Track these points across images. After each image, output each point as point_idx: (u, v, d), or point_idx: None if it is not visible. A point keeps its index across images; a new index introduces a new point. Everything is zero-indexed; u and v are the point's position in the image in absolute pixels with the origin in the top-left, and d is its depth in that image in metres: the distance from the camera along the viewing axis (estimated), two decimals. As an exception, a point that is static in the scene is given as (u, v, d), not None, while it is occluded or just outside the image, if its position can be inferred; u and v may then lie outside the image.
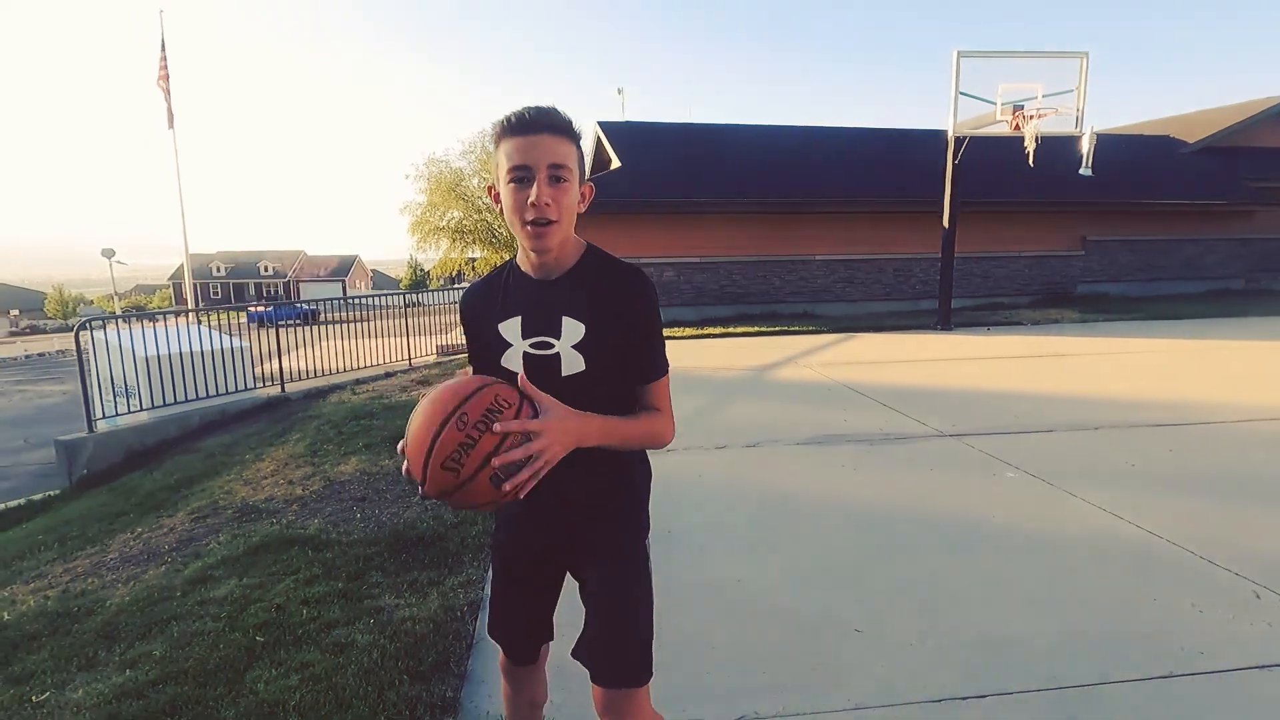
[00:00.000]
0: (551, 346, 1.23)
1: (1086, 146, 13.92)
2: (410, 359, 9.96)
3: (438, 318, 12.40)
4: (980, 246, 13.41)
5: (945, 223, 10.52)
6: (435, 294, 13.85)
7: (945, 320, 10.70)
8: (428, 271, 38.10)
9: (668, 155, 13.81)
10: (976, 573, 2.84)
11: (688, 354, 8.87)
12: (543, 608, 1.44)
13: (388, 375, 8.72)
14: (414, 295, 12.81)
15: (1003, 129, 9.68)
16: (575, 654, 1.30)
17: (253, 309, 12.46)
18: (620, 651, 1.26)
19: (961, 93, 9.52)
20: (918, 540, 3.17)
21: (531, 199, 1.13)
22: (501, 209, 1.21)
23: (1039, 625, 2.42)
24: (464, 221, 25.49)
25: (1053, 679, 2.11)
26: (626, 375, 1.27)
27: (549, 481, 1.10)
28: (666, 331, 10.78)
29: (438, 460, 1.02)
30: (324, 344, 9.40)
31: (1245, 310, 11.89)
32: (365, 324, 10.60)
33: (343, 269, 68.57)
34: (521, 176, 1.14)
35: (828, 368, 7.58)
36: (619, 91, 22.71)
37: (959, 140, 9.93)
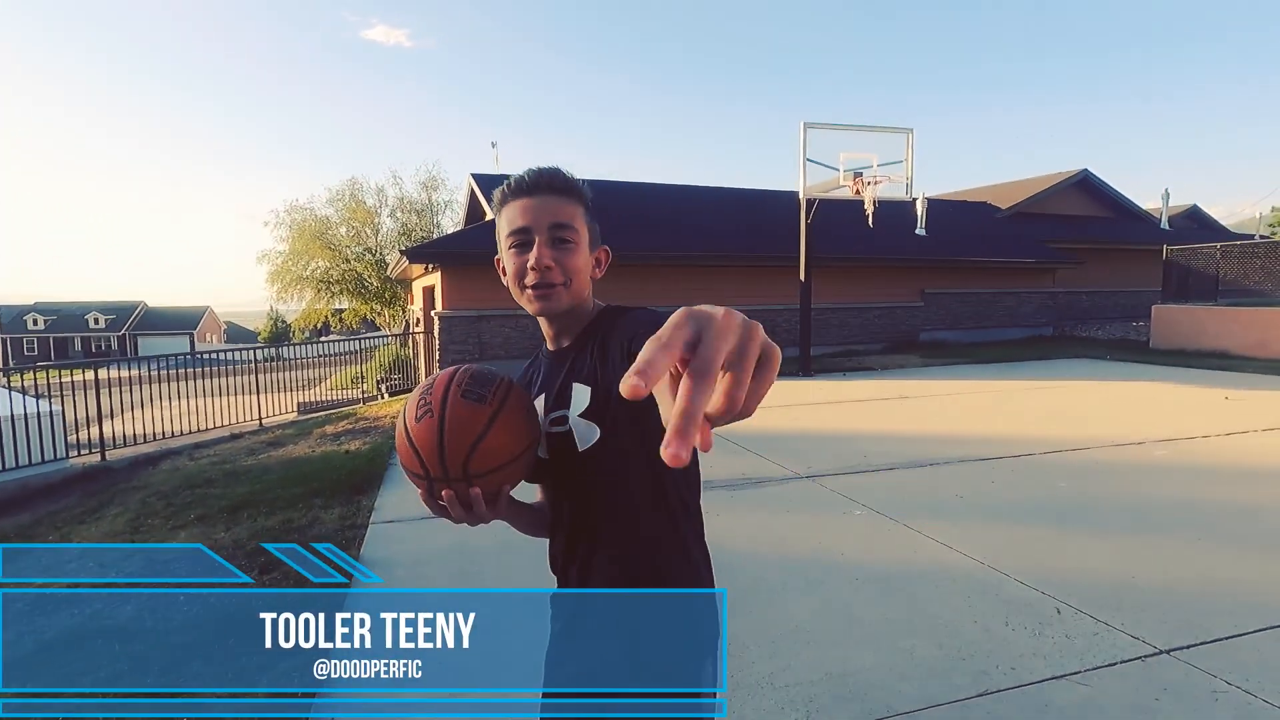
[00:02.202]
0: (565, 421, 1.08)
1: (920, 210, 15.62)
2: (262, 418, 9.21)
3: (300, 372, 11.60)
4: (836, 298, 14.52)
5: (802, 276, 11.33)
6: (298, 347, 13.00)
7: (806, 367, 11.40)
8: (290, 323, 35.71)
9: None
10: (827, 609, 2.99)
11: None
12: None
13: (234, 437, 8.00)
14: (273, 349, 11.96)
15: (846, 193, 10.66)
16: None
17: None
18: None
19: (809, 159, 10.43)
20: (774, 581, 3.29)
21: (531, 262, 1.04)
22: (506, 280, 1.11)
23: (879, 657, 2.57)
24: (330, 271, 24.23)
25: (888, 708, 2.24)
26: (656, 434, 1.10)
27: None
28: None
29: (455, 397, 0.97)
30: (162, 404, 8.50)
31: (1053, 354, 13.60)
32: (214, 380, 9.72)
33: (191, 321, 62.78)
34: (522, 241, 1.06)
35: (698, 415, 7.86)
36: (493, 145, 22.88)
37: (809, 202, 10.81)
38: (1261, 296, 13.02)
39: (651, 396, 1.00)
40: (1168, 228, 21.99)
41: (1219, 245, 14.14)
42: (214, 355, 11.03)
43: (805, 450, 5.88)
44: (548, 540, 1.20)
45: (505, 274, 1.12)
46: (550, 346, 1.18)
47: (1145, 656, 2.52)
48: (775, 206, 15.64)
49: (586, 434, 1.05)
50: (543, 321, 1.15)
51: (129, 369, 9.80)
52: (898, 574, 3.34)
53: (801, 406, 8.31)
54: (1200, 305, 13.48)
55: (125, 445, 7.76)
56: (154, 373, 9.14)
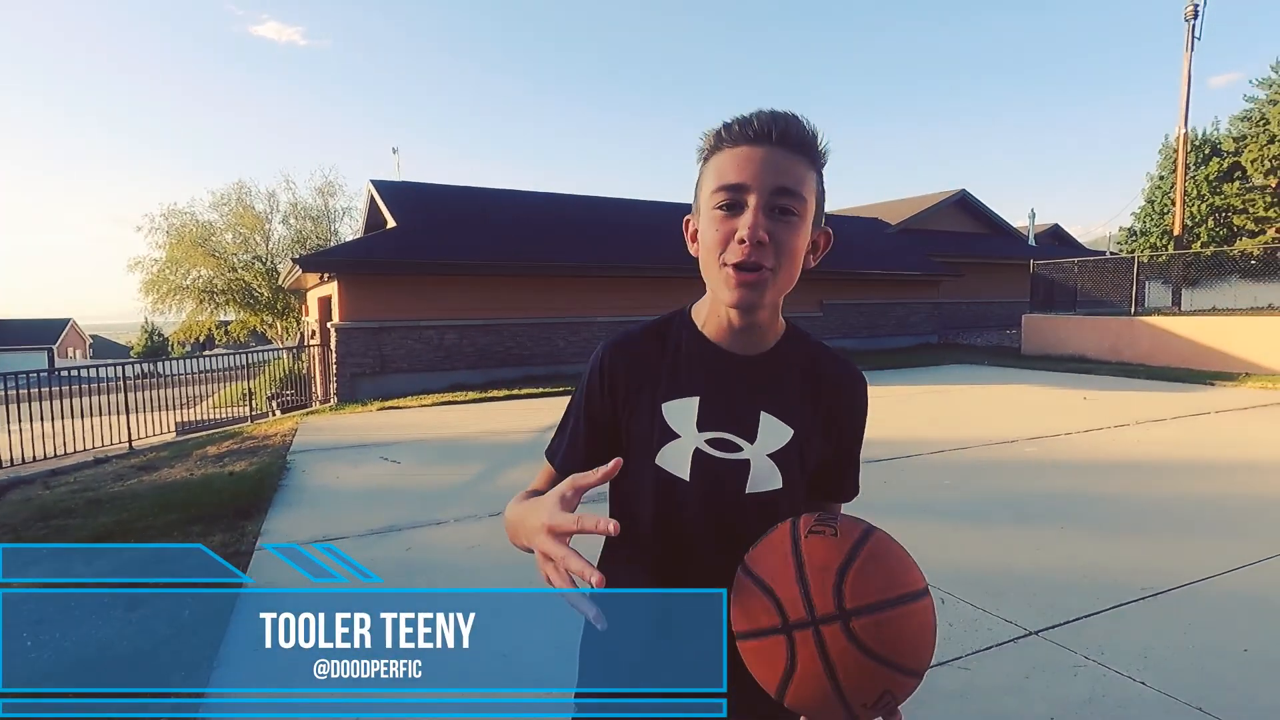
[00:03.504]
0: (739, 449, 0.89)
1: (818, 224, 16.40)
2: (132, 440, 8.43)
3: (180, 389, 10.72)
4: (741, 309, 15.02)
5: (709, 287, 11.62)
6: (177, 362, 12.04)
7: (714, 376, 11.68)
8: (167, 337, 32.99)
9: (448, 217, 13.63)
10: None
11: (471, 418, 8.61)
12: None
13: (99, 462, 7.27)
14: (148, 364, 10.99)
15: (749, 207, 11.04)
16: None
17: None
18: None
19: (714, 174, 10.73)
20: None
21: (743, 233, 0.81)
22: (698, 249, 0.89)
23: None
24: (214, 280, 22.60)
25: (788, 705, 2.31)
26: (816, 492, 0.96)
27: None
28: (448, 396, 10.47)
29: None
30: (11, 427, 7.61)
31: (939, 360, 14.58)
32: (77, 400, 8.80)
33: (49, 335, 56.83)
34: (733, 201, 0.82)
35: (608, 425, 7.86)
36: (394, 151, 22.15)
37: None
38: (1112, 307, 14.52)
39: (840, 458, 0.96)
40: (1034, 244, 24.18)
41: (1076, 261, 15.66)
42: (77, 372, 9.97)
43: (712, 457, 6.00)
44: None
45: (695, 241, 0.90)
46: (724, 343, 0.92)
47: (1017, 639, 2.73)
48: (677, 220, 15.96)
49: (766, 478, 0.89)
50: (728, 308, 0.88)
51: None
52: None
53: (709, 414, 8.49)
54: (1062, 315, 14.86)
55: (-35, 475, 6.89)
56: (2, 392, 8.18)
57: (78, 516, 4.86)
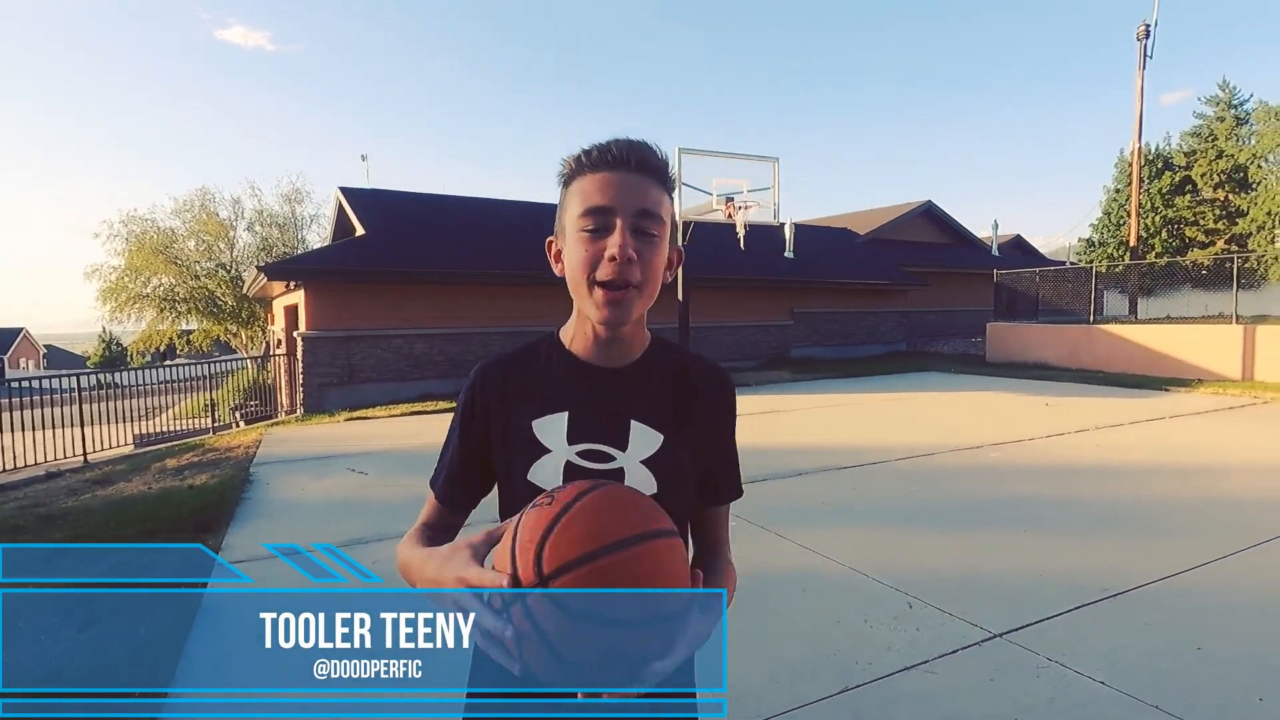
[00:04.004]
0: (611, 459, 0.92)
1: (787, 234, 16.59)
2: (87, 453, 8.15)
3: (138, 400, 10.41)
4: (713, 317, 15.06)
5: (680, 295, 11.66)
6: (136, 373, 11.70)
7: (686, 384, 11.72)
8: (126, 347, 32.06)
9: (418, 225, 13.50)
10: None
11: (441, 428, 8.45)
12: None
13: (51, 476, 7.02)
14: (105, 375, 10.66)
15: (720, 216, 11.14)
16: None
17: None
18: None
19: (684, 184, 10.81)
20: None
21: (612, 251, 0.85)
22: (563, 269, 0.92)
23: (751, 664, 2.65)
24: (176, 289, 22.02)
25: (758, 713, 2.31)
26: (701, 499, 0.99)
27: None
28: (418, 406, 10.34)
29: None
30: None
31: (907, 368, 14.83)
32: (29, 412, 8.48)
33: (1, 344, 54.83)
34: (600, 224, 0.86)
35: (580, 434, 7.83)
36: (363, 158, 21.90)
37: (686, 224, 11.19)
38: (1072, 315, 14.94)
39: (716, 458, 0.98)
40: (998, 254, 24.74)
41: (1038, 271, 16.08)
42: (29, 383, 9.63)
43: (684, 465, 6.01)
44: None
45: (560, 262, 0.93)
46: (592, 359, 0.95)
47: (982, 641, 2.77)
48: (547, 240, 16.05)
49: (642, 485, 0.91)
50: (596, 324, 0.91)
51: (-86, 401, 8.36)
52: (768, 580, 3.47)
53: (681, 423, 8.50)
54: (1024, 323, 15.23)
55: (-94, 491, 6.59)
56: (-53, 405, 7.85)
57: (28, 533, 4.68)
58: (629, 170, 0.88)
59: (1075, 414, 8.39)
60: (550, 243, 0.98)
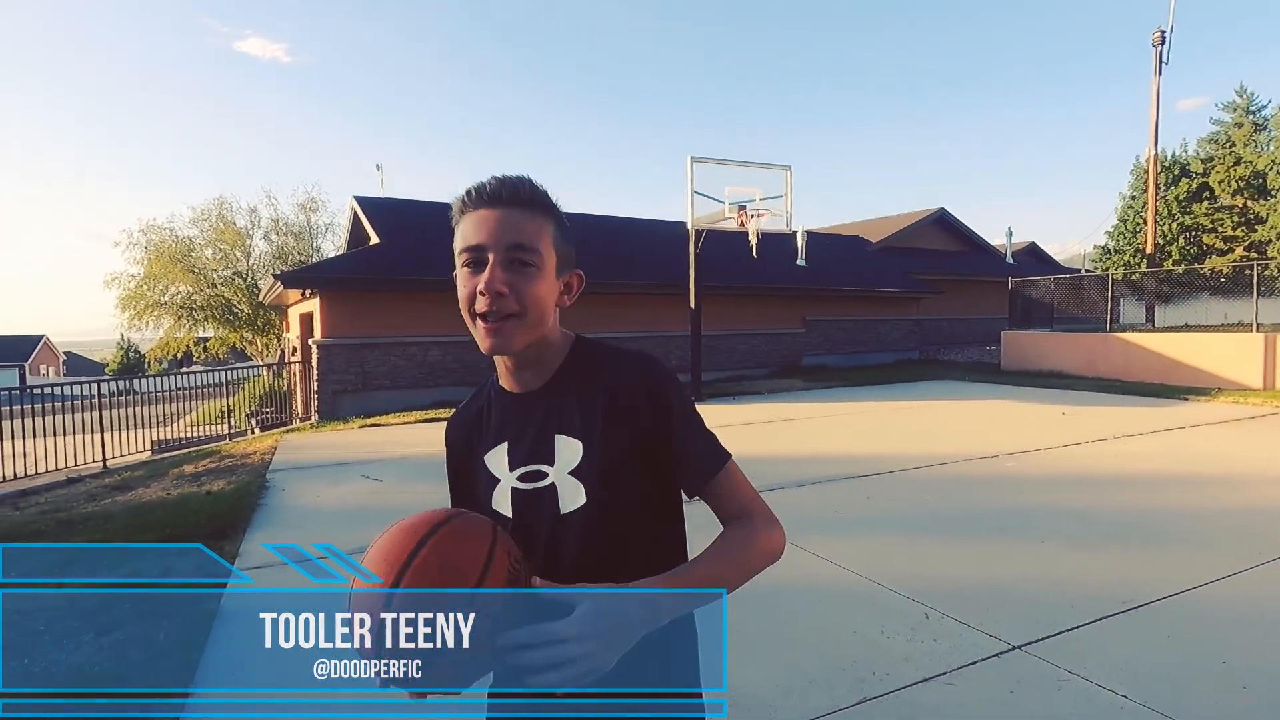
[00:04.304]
0: (545, 476, 0.96)
1: (800, 242, 16.56)
2: (106, 459, 8.25)
3: (156, 407, 10.52)
4: (725, 325, 15.04)
5: (692, 304, 11.67)
6: (154, 380, 11.84)
7: (697, 392, 11.70)
8: (144, 354, 32.49)
9: (432, 233, 13.61)
10: (712, 628, 3.03)
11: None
12: None
13: (71, 482, 7.11)
14: (123, 382, 10.79)
15: (732, 225, 11.15)
16: None
17: None
18: None
19: (696, 192, 10.84)
20: (665, 606, 3.31)
21: (481, 286, 0.90)
22: (460, 303, 0.96)
23: (764, 673, 2.64)
24: (193, 297, 22.30)
25: (773, 723, 2.29)
26: (683, 484, 1.00)
27: None
28: (432, 413, 10.38)
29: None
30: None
31: (920, 376, 14.74)
32: (50, 418, 8.61)
33: (21, 351, 55.70)
34: (475, 259, 0.92)
35: (592, 442, 7.82)
36: (378, 168, 22.12)
37: (698, 232, 11.21)
38: (1088, 323, 14.79)
39: (669, 443, 0.98)
40: (1011, 262, 24.57)
41: (1053, 278, 15.95)
42: (49, 389, 9.77)
43: (697, 473, 5.99)
44: None
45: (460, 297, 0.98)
46: (509, 385, 1.02)
47: (1001, 653, 2.74)
48: (665, 236, 16.07)
49: (573, 495, 0.95)
50: (491, 356, 0.99)
51: (-62, 407, 8.51)
52: (782, 590, 3.45)
53: (693, 431, 8.48)
54: (1040, 331, 15.10)
55: (-70, 495, 6.70)
56: (-29, 411, 7.99)
57: (48, 538, 4.74)
58: (501, 205, 0.92)
59: (1092, 423, 8.30)
60: (455, 277, 1.01)
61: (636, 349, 1.03)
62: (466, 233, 0.93)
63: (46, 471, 7.71)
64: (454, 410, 1.13)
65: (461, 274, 0.94)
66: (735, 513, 1.01)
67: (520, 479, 0.98)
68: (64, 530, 4.94)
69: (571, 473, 0.95)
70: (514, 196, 0.93)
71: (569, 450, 0.96)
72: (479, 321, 0.93)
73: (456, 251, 0.95)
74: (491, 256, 0.91)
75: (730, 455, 1.02)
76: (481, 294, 0.91)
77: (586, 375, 0.99)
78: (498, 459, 1.00)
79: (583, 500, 0.94)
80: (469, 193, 0.95)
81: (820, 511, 4.85)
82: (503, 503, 0.99)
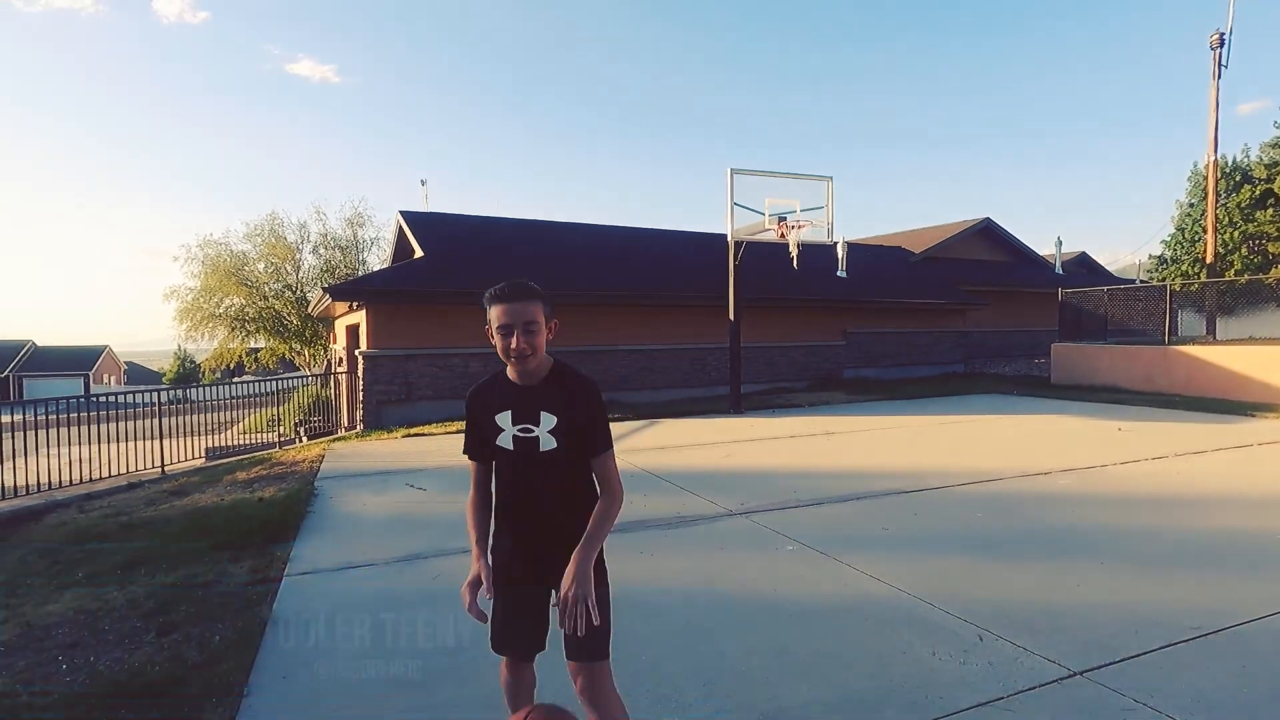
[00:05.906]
0: (533, 431, 1.84)
1: (840, 253, 16.35)
2: (164, 465, 8.57)
3: (210, 415, 10.87)
4: (764, 337, 14.91)
5: (731, 315, 11.60)
6: (208, 389, 12.27)
7: (736, 404, 11.59)
8: (199, 364, 33.70)
9: (474, 247, 13.86)
10: (760, 646, 2.98)
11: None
12: (537, 612, 1.91)
13: (132, 487, 7.40)
14: (179, 391, 11.23)
15: (771, 236, 11.06)
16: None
17: None
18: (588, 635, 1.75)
19: (736, 204, 10.80)
20: (706, 620, 3.26)
21: (513, 346, 1.77)
22: (496, 346, 1.81)
23: (813, 692, 2.58)
24: (246, 309, 23.11)
25: (823, 744, 2.24)
26: (584, 451, 1.86)
27: (541, 525, 1.90)
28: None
29: None
30: (50, 452, 7.79)
31: (966, 390, 14.36)
32: (112, 425, 8.99)
33: (86, 361, 58.37)
34: (506, 331, 1.77)
35: (631, 454, 7.78)
36: (423, 183, 22.64)
37: (738, 244, 11.15)
38: (1144, 335, 14.22)
39: (586, 429, 1.92)
40: (1061, 272, 23.83)
41: (1106, 289, 15.41)
42: (112, 398, 10.21)
43: (737, 487, 5.93)
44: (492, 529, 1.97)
45: (493, 342, 1.81)
46: (518, 380, 1.87)
47: (1062, 679, 2.63)
48: (706, 249, 16.04)
49: (548, 443, 1.84)
50: (515, 370, 1.85)
51: (12, 413, 8.97)
52: (829, 608, 3.38)
53: (733, 444, 8.41)
54: (1092, 344, 14.58)
55: (2, 498, 7.04)
56: (41, 417, 8.39)
57: (111, 540, 4.93)
58: (515, 300, 1.79)
59: (1152, 440, 7.96)
60: (488, 330, 1.83)
61: (585, 373, 1.91)
62: (498, 316, 1.78)
63: (109, 476, 8.04)
64: (473, 387, 1.97)
65: (497, 336, 1.79)
66: (601, 479, 1.89)
67: (518, 431, 1.85)
68: (126, 533, 5.13)
69: (549, 431, 1.83)
70: (521, 293, 1.80)
71: (547, 420, 1.83)
72: (511, 359, 1.81)
73: (493, 325, 1.80)
74: (516, 329, 1.77)
75: (612, 446, 1.89)
76: (512, 349, 1.78)
77: (559, 382, 1.87)
78: (504, 419, 1.86)
79: (553, 445, 1.84)
80: (494, 293, 1.80)
81: (865, 529, 4.74)
82: (506, 442, 1.87)
